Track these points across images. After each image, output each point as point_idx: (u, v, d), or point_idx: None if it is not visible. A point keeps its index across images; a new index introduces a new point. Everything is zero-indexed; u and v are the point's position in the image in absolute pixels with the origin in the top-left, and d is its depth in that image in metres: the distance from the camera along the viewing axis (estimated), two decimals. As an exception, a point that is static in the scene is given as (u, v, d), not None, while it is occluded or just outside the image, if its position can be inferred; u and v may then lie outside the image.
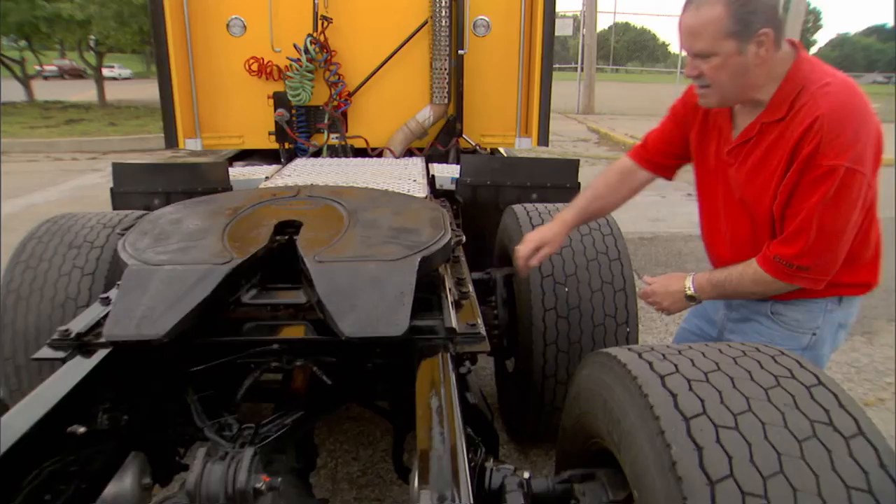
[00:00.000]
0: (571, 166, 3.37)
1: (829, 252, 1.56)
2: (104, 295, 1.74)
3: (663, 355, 1.31)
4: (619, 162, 2.06)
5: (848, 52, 67.55)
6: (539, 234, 2.01)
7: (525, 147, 4.36)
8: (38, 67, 29.74)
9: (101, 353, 1.47)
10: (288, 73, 4.09)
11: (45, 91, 22.42)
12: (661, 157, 1.97)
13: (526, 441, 2.73)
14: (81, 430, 1.28)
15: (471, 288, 1.79)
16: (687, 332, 2.23)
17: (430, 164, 3.87)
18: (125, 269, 1.62)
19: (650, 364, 1.27)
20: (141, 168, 3.40)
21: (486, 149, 4.44)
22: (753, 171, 1.64)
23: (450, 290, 1.73)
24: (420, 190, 3.04)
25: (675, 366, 1.25)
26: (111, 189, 3.31)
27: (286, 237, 1.85)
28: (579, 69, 21.01)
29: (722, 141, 1.76)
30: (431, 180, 3.53)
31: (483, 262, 3.03)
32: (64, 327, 1.51)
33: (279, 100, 4.17)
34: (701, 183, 1.88)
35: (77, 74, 36.62)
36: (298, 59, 4.06)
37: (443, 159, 4.22)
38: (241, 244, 1.73)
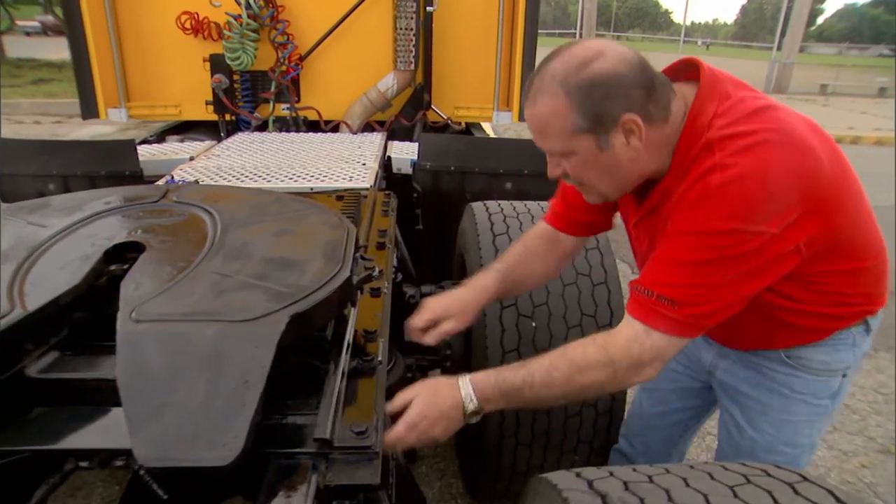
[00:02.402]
0: (555, 150, 2.78)
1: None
2: None
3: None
4: (538, 226, 1.62)
5: (855, 24, 65.91)
6: (444, 304, 1.45)
7: (504, 122, 3.77)
8: (18, 23, 28.55)
9: None
10: (226, 32, 3.47)
11: (23, 48, 21.45)
12: (582, 214, 1.51)
13: (485, 499, 2.20)
14: None
15: (380, 350, 1.22)
16: (666, 368, 1.71)
17: (390, 143, 3.29)
18: None
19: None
20: (33, 146, 2.80)
21: (459, 123, 3.84)
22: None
23: (347, 355, 1.17)
24: (366, 177, 2.47)
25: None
26: (-6, 171, 2.73)
27: (125, 266, 1.29)
28: (578, 35, 20.22)
29: (631, 208, 1.34)
30: (388, 163, 2.95)
31: (449, 268, 2.49)
32: None
33: (216, 63, 3.54)
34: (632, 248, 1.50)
35: (61, 31, 35.29)
36: (238, 16, 3.44)
37: (408, 135, 3.63)
38: (40, 283, 1.17)
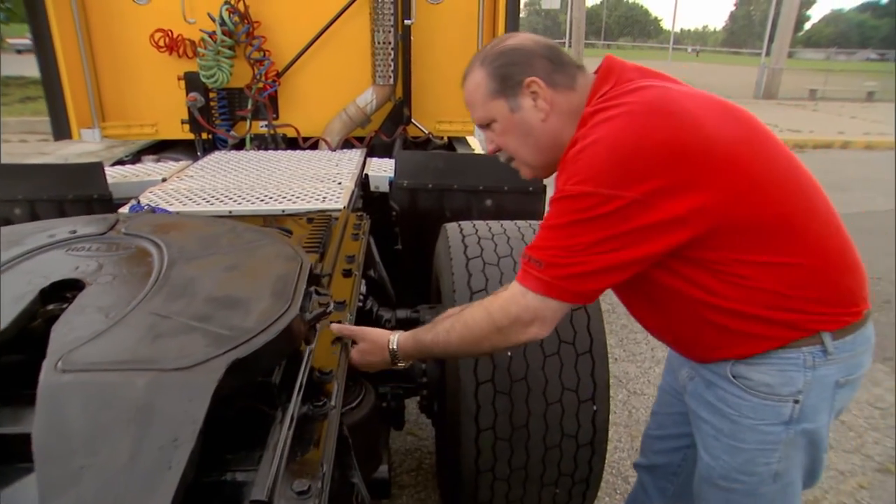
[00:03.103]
0: (536, 164, 2.71)
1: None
2: None
3: None
4: None
5: (842, 29, 66.34)
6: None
7: (487, 136, 3.69)
8: (9, 41, 28.44)
9: None
10: (200, 50, 3.39)
11: (14, 66, 21.33)
12: None
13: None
14: None
15: (334, 393, 1.13)
16: (663, 391, 1.70)
17: (369, 160, 3.22)
18: None
19: None
20: (-3, 169, 2.72)
21: (441, 138, 3.77)
22: None
23: (297, 400, 1.08)
24: (340, 198, 2.40)
25: None
26: (-44, 197, 2.64)
27: (64, 305, 1.21)
28: (567, 45, 20.25)
29: None
30: (365, 181, 2.88)
31: (428, 289, 2.41)
32: None
33: (191, 82, 3.47)
34: None
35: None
36: (212, 33, 3.36)
37: (388, 151, 3.56)
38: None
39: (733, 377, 1.29)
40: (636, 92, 1.18)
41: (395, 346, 1.43)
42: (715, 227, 1.14)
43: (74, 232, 1.43)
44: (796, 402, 1.26)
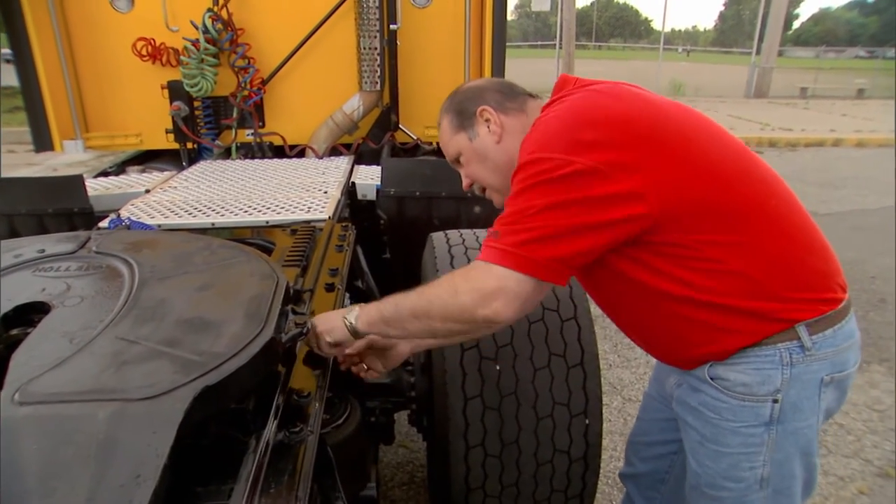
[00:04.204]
0: (525, 170, 2.67)
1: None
2: None
3: None
4: None
5: (830, 27, 66.64)
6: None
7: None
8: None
9: None
10: (183, 58, 3.34)
11: (4, 76, 21.18)
12: None
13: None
14: None
15: (311, 417, 1.08)
16: (649, 396, 1.66)
17: (356, 167, 3.18)
18: None
19: None
20: (-27, 184, 2.66)
21: (430, 144, 3.73)
22: None
23: (273, 426, 1.03)
24: (325, 208, 2.35)
25: None
26: (-68, 212, 2.58)
27: (29, 329, 1.15)
28: (557, 46, 20.25)
29: None
30: (352, 189, 2.83)
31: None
32: None
33: (175, 90, 3.42)
34: None
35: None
36: (196, 41, 3.31)
37: (376, 158, 3.51)
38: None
39: (711, 379, 1.27)
40: (589, 85, 1.29)
41: (353, 320, 1.30)
42: (673, 205, 1.14)
43: (43, 251, 1.37)
44: (775, 401, 1.22)
